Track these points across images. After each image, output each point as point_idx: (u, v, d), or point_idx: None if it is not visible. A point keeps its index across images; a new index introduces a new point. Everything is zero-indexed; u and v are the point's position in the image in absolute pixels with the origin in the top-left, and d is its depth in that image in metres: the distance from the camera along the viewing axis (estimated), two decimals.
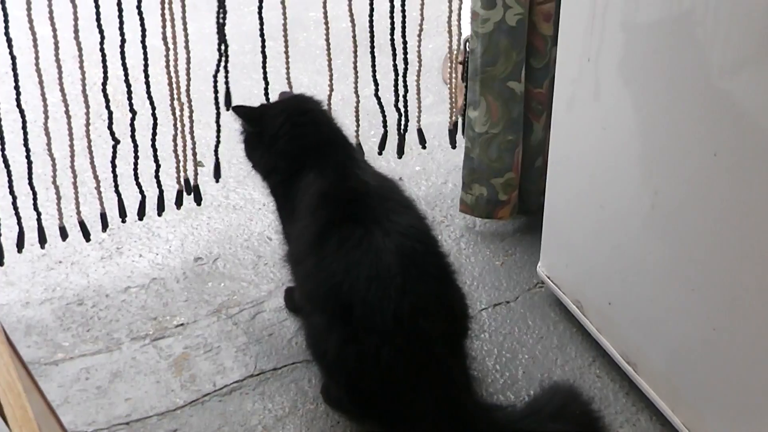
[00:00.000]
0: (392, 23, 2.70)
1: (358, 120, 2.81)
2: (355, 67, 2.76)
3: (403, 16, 2.74)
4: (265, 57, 2.67)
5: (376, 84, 2.77)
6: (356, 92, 2.77)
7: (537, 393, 2.38)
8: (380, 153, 2.94)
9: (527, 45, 2.75)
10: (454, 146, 2.97)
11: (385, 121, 2.87)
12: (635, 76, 2.18)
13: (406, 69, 2.77)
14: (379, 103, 2.80)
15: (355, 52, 2.73)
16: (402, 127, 2.88)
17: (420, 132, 2.92)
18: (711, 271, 2.06)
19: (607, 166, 2.33)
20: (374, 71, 2.76)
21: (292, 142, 2.43)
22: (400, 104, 2.84)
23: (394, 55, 2.76)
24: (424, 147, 2.96)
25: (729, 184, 1.96)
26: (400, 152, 2.93)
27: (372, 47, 2.72)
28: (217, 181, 2.86)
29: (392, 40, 2.71)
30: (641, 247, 2.27)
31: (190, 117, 2.65)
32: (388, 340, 2.16)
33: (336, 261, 2.22)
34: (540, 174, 2.93)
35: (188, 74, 2.60)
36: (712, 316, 2.09)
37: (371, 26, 2.68)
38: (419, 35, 2.72)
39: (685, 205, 2.10)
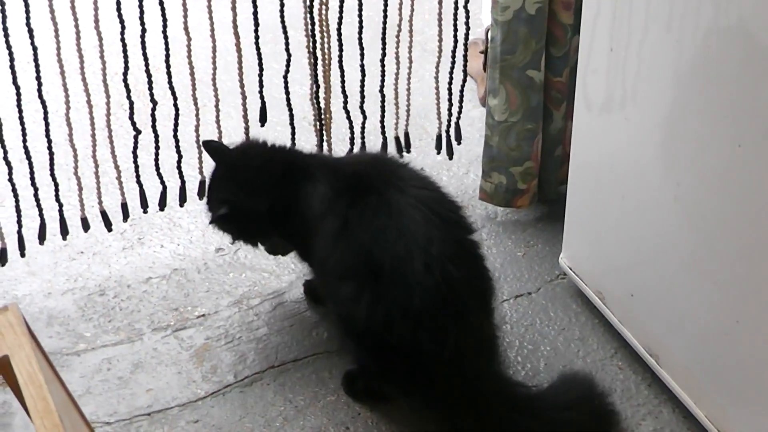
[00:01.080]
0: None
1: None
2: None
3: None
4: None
5: (382, 78, 2.79)
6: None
7: (556, 380, 2.39)
8: (408, 152, 2.95)
9: (547, 33, 2.74)
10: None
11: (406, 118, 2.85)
12: (658, 66, 2.16)
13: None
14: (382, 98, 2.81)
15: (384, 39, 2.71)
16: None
17: (457, 126, 2.93)
18: (734, 262, 2.05)
19: (630, 157, 2.32)
20: (383, 67, 2.76)
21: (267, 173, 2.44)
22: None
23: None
24: (459, 143, 2.98)
25: (753, 176, 1.94)
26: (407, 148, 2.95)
27: (384, 38, 2.72)
28: None
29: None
30: (664, 238, 2.25)
31: (216, 106, 2.64)
32: (417, 290, 2.15)
33: (362, 232, 2.21)
34: (559, 163, 2.92)
35: (214, 63, 2.59)
36: (735, 308, 2.07)
37: (385, 18, 2.68)
38: (440, 25, 2.71)
39: (708, 196, 2.09)
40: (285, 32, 2.62)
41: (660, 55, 2.15)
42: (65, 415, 1.66)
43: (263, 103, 2.70)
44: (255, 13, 2.54)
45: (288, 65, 2.68)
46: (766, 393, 2.06)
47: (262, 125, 2.74)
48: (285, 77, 2.69)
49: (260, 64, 2.62)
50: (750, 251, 2.00)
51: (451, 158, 2.99)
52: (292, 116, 2.77)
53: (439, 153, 2.99)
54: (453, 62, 2.83)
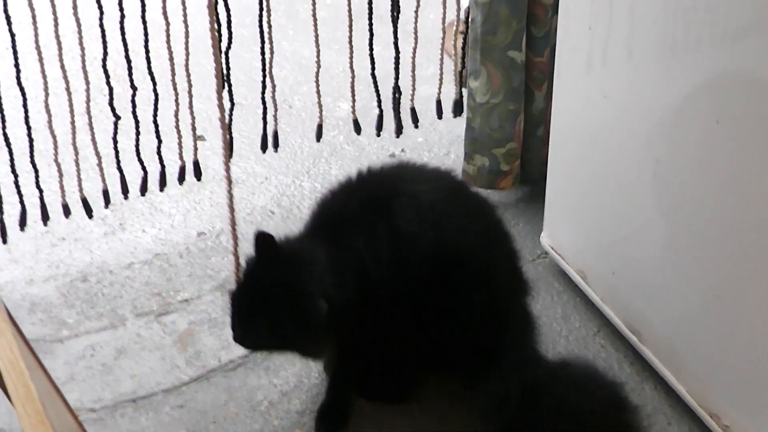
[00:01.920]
0: None
1: (354, 94, 2.80)
2: (350, 41, 2.72)
3: None
4: (262, 30, 2.64)
5: (373, 63, 2.77)
6: (351, 67, 2.74)
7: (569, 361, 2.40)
8: (378, 134, 2.92)
9: (527, 14, 2.73)
10: (458, 114, 2.95)
11: (379, 101, 2.83)
12: (636, 43, 2.17)
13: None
14: (375, 84, 2.79)
15: (351, 26, 2.69)
16: (398, 105, 2.86)
17: (413, 111, 2.90)
18: (713, 238, 2.06)
19: (609, 134, 2.33)
20: (371, 48, 2.74)
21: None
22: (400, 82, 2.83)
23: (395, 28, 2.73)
24: (416, 126, 2.94)
25: (731, 152, 1.95)
26: (398, 131, 2.91)
27: (370, 19, 2.70)
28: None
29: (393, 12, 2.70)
30: (644, 215, 2.26)
31: (189, 92, 2.63)
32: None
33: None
34: (542, 143, 2.92)
35: (187, 48, 2.58)
36: (715, 284, 2.08)
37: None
38: (416, 8, 2.70)
39: (687, 173, 2.09)
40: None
41: (638, 32, 2.15)
42: (48, 402, 1.66)
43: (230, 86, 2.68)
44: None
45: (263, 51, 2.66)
46: (746, 367, 2.07)
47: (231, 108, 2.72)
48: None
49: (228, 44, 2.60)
50: (729, 226, 2.01)
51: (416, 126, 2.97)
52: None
53: (416, 127, 2.96)
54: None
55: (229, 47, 2.57)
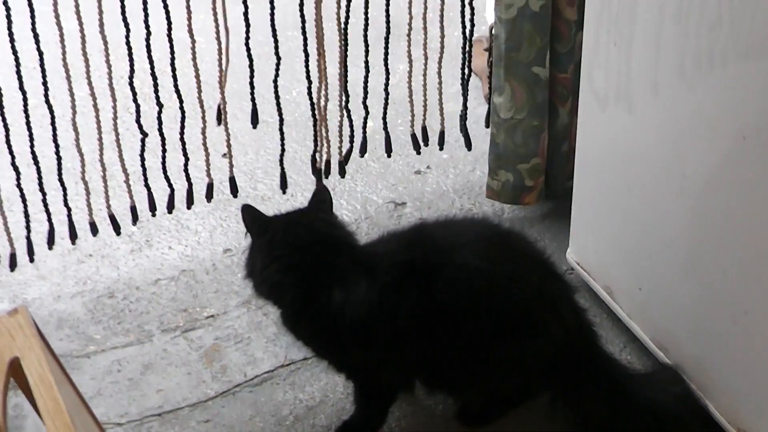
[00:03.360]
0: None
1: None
2: (366, 60, 2.74)
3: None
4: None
5: (387, 76, 2.78)
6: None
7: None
8: (389, 155, 2.94)
9: (551, 30, 2.74)
10: (488, 125, 2.96)
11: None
12: (662, 59, 2.16)
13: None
14: (386, 98, 2.80)
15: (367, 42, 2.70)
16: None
17: (441, 135, 2.93)
18: (741, 254, 2.05)
19: (635, 151, 2.32)
20: (386, 63, 2.75)
21: None
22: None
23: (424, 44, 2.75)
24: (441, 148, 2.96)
25: (758, 167, 1.94)
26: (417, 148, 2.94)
27: (387, 37, 2.72)
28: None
29: (424, 28, 2.72)
30: (671, 231, 2.26)
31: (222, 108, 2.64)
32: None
33: None
34: (566, 159, 2.92)
35: (220, 66, 2.59)
36: (743, 300, 2.08)
37: (387, 17, 2.67)
38: (441, 23, 2.71)
39: (714, 188, 2.09)
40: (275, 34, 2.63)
41: (664, 47, 2.15)
42: (76, 415, 1.67)
43: (254, 105, 2.70)
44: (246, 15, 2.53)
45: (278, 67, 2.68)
46: None
47: (254, 126, 2.74)
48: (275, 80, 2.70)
49: (251, 66, 2.62)
50: (757, 242, 2.00)
51: (470, 149, 2.97)
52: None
53: (441, 149, 2.97)
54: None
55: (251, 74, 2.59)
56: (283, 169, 2.84)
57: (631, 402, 2.20)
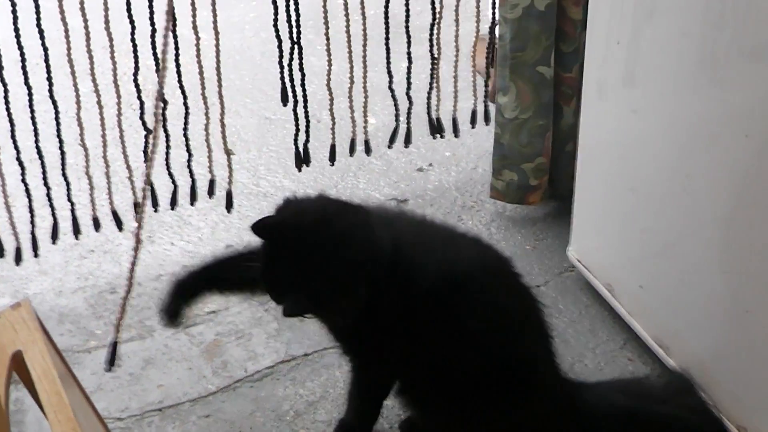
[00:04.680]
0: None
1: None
2: (364, 58, 2.74)
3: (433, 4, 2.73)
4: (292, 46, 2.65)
5: (390, 76, 2.77)
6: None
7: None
8: (390, 146, 2.91)
9: (556, 29, 2.75)
10: (487, 123, 2.95)
11: (398, 112, 2.83)
12: (665, 58, 2.17)
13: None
14: (393, 96, 2.80)
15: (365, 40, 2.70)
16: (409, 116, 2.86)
17: (438, 121, 2.90)
18: (743, 253, 2.06)
19: (638, 149, 2.33)
20: (388, 61, 2.75)
21: None
22: (412, 92, 2.81)
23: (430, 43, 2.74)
24: (441, 135, 2.93)
25: (761, 166, 1.95)
26: (407, 142, 2.90)
27: (387, 36, 2.71)
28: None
29: (432, 29, 2.71)
30: (673, 229, 2.26)
31: (221, 104, 2.64)
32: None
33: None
34: (570, 159, 2.93)
35: (218, 63, 2.59)
36: (745, 298, 2.08)
37: (386, 15, 2.66)
38: (438, 21, 2.70)
39: (717, 187, 2.09)
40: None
41: (667, 46, 2.16)
42: (79, 410, 1.67)
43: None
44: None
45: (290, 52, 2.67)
46: None
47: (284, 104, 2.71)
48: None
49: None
50: (759, 241, 2.00)
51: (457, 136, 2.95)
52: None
53: (434, 137, 2.95)
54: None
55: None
56: (297, 148, 2.80)
57: (648, 420, 2.18)
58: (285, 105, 2.65)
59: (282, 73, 2.62)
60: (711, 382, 2.24)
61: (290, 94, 2.66)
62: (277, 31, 2.55)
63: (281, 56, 2.61)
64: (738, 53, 1.96)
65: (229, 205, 2.75)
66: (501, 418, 2.13)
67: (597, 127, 2.49)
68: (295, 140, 2.76)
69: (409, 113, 2.82)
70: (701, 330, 2.24)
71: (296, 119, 2.71)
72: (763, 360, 2.08)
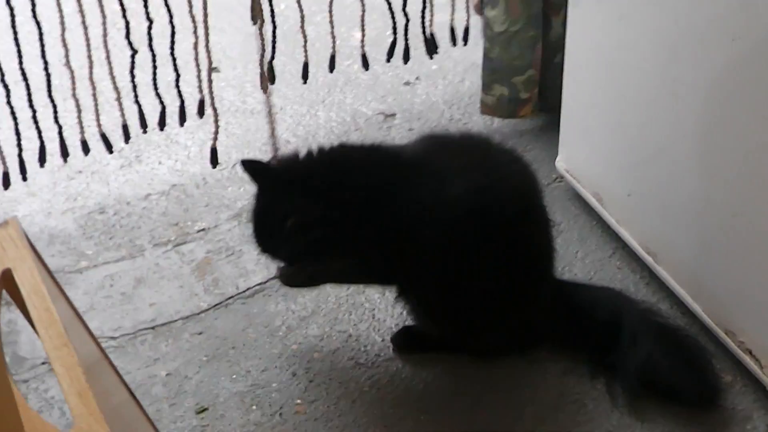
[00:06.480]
0: None
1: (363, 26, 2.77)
2: None
3: None
4: None
5: None
6: None
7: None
8: (388, 61, 2.89)
9: None
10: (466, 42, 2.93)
11: (394, 27, 2.81)
12: None
13: None
14: (390, 9, 2.76)
15: None
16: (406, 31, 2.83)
17: (432, 37, 2.87)
18: (730, 157, 2.06)
19: (625, 56, 2.32)
20: None
21: None
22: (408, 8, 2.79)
23: None
24: (431, 55, 2.91)
25: (749, 70, 1.94)
26: (406, 58, 2.88)
27: None
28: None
29: None
30: (661, 136, 2.26)
31: (205, 22, 2.61)
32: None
33: None
34: (559, 70, 2.89)
35: None
36: (731, 203, 2.09)
37: None
38: None
39: (705, 92, 2.09)
40: None
41: None
42: (70, 327, 1.67)
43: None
44: None
45: None
46: (762, 285, 2.07)
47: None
48: None
49: None
50: (746, 145, 2.00)
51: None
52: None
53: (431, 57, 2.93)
54: None
55: None
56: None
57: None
58: (254, 24, 2.62)
59: None
60: (698, 287, 2.26)
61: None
62: None
63: None
64: None
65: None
66: (509, 314, 2.21)
67: (583, 35, 2.48)
68: (268, 59, 2.73)
69: (406, 29, 2.79)
70: (689, 236, 2.25)
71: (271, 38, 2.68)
72: (749, 264, 2.09)
